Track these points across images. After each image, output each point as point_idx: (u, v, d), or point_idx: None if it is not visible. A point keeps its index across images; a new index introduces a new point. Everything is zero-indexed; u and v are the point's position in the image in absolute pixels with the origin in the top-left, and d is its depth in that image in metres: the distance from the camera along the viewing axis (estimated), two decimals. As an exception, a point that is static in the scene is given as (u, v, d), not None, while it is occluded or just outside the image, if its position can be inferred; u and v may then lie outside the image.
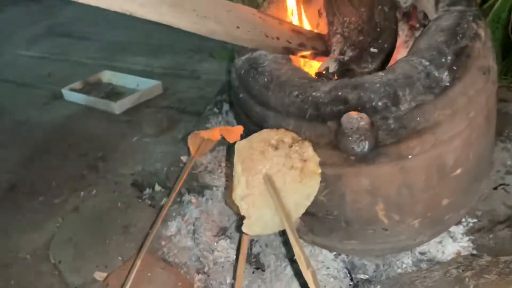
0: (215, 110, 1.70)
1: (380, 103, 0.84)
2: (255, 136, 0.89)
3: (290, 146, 0.89)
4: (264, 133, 0.89)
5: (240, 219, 0.97)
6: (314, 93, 0.87)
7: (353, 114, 0.85)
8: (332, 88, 0.86)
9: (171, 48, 2.53)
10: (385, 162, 0.87)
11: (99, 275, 1.34)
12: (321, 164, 0.90)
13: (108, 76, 2.29)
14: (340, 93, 0.85)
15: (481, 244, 1.08)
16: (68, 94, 2.18)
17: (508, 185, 1.18)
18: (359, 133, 0.84)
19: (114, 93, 2.19)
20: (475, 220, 1.13)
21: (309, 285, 0.82)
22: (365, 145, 0.85)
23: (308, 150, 0.89)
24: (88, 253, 1.40)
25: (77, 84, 2.23)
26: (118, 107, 1.99)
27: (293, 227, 0.88)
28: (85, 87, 2.24)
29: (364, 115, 0.85)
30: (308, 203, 0.93)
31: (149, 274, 1.28)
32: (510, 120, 1.34)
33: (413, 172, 0.90)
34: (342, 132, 0.85)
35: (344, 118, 0.85)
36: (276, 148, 0.89)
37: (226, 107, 1.68)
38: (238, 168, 0.88)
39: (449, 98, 0.85)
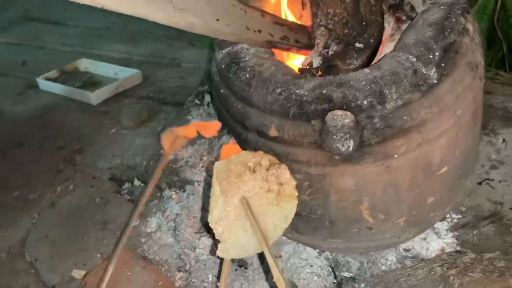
0: (197, 101, 1.65)
1: (365, 102, 0.81)
2: (233, 158, 0.88)
3: (267, 169, 0.88)
4: (242, 155, 0.88)
5: (215, 243, 0.94)
6: (297, 91, 0.83)
7: (338, 112, 0.82)
8: (316, 86, 0.83)
9: (151, 35, 2.45)
10: (370, 161, 0.85)
11: (77, 273, 1.31)
12: (305, 164, 0.88)
13: (85, 65, 2.22)
14: (324, 91, 0.82)
15: (465, 240, 1.08)
16: (44, 84, 2.10)
17: (492, 180, 1.17)
18: (344, 131, 0.81)
19: (91, 82, 2.12)
20: (459, 216, 1.12)
21: None
22: (350, 144, 0.82)
23: (285, 173, 0.89)
24: (65, 250, 1.37)
25: (53, 73, 2.15)
26: (95, 97, 1.93)
27: (271, 250, 0.88)
28: (62, 76, 2.16)
29: (348, 113, 0.82)
30: (286, 225, 0.93)
31: (128, 273, 1.25)
32: (495, 113, 1.33)
33: (398, 171, 0.88)
34: (326, 131, 0.82)
35: (328, 116, 0.82)
36: (253, 171, 0.88)
37: (208, 98, 1.63)
38: (216, 189, 0.87)
39: (436, 96, 0.83)
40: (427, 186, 0.93)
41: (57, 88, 2.06)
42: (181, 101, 1.79)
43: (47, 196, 1.54)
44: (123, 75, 2.06)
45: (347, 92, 0.81)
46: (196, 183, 1.39)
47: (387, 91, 0.80)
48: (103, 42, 2.51)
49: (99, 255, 1.34)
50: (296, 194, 0.91)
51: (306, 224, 1.00)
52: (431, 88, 0.82)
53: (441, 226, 1.11)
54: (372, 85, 0.80)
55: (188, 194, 1.39)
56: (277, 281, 0.83)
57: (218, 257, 1.22)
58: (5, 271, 1.35)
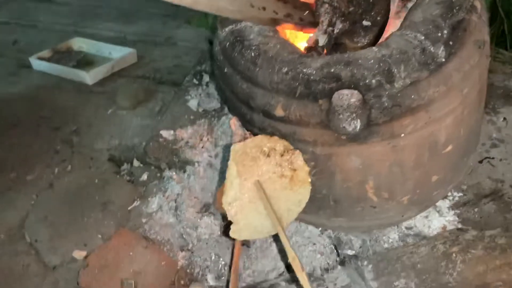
0: (195, 81, 1.63)
1: (373, 81, 0.80)
2: (249, 141, 0.89)
3: (282, 155, 0.89)
4: (258, 139, 0.89)
5: (227, 224, 0.95)
6: (304, 70, 0.82)
7: (344, 91, 0.81)
8: (324, 65, 0.82)
9: (144, 13, 2.41)
10: (377, 141, 0.85)
11: (78, 254, 1.30)
12: (312, 144, 0.87)
13: (79, 44, 2.17)
14: (332, 70, 0.81)
15: (467, 218, 1.09)
16: (37, 63, 2.06)
17: (493, 158, 1.18)
18: (350, 111, 0.81)
19: (85, 62, 2.07)
20: (460, 194, 1.13)
21: (304, 287, 0.82)
22: (357, 124, 0.82)
23: (298, 159, 0.90)
24: (65, 231, 1.36)
25: (45, 53, 2.10)
26: (90, 77, 1.90)
27: (285, 232, 0.89)
28: (55, 56, 2.11)
29: (355, 92, 0.81)
30: (299, 209, 0.95)
31: (130, 253, 1.25)
32: (495, 91, 1.33)
33: (404, 151, 0.88)
34: (333, 110, 0.82)
35: (335, 96, 0.81)
36: (267, 155, 0.89)
37: (206, 78, 1.61)
38: (233, 169, 0.88)
39: (444, 75, 0.82)
40: (432, 165, 0.93)
41: (51, 68, 2.01)
42: (178, 81, 1.76)
43: (44, 177, 1.52)
44: (118, 54, 2.02)
45: (355, 70, 0.80)
46: (196, 163, 1.38)
47: (395, 69, 0.80)
48: (96, 21, 2.46)
49: (100, 236, 1.33)
50: (309, 180, 0.91)
51: (310, 203, 1.00)
52: (439, 67, 0.82)
53: (443, 204, 1.12)
54: (381, 64, 0.80)
55: (188, 175, 1.38)
56: (292, 261, 0.84)
57: (222, 235, 1.22)
58: (5, 252, 1.34)
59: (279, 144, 0.89)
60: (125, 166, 1.52)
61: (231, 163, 0.88)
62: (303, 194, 0.93)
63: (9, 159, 1.61)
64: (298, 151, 0.89)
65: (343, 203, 0.97)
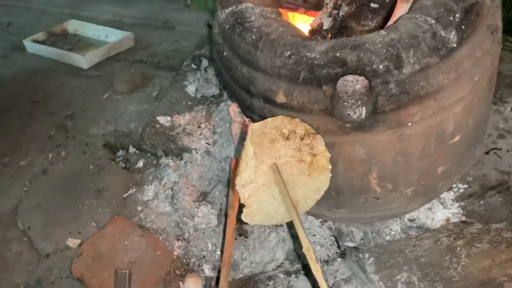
0: (193, 66, 1.59)
1: (381, 66, 0.76)
2: (269, 121, 0.83)
3: (302, 138, 0.85)
4: (278, 120, 0.84)
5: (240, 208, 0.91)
6: (308, 54, 0.78)
7: (349, 77, 0.77)
8: (329, 49, 0.78)
9: (141, -4, 2.35)
10: (382, 130, 0.81)
11: (72, 242, 1.28)
12: (315, 131, 0.83)
13: (74, 26, 2.12)
14: (338, 54, 0.77)
15: (472, 211, 1.06)
16: (31, 46, 2.01)
17: (500, 149, 1.15)
18: (356, 98, 0.77)
19: (81, 45, 2.02)
20: (465, 185, 1.10)
21: (318, 280, 0.80)
22: (362, 112, 0.78)
23: (319, 144, 0.85)
24: (59, 218, 1.33)
25: (40, 35, 2.05)
26: (86, 60, 1.85)
27: (301, 219, 0.84)
28: (50, 38, 2.06)
29: (360, 78, 0.77)
30: (318, 196, 0.90)
31: (125, 242, 1.22)
32: (503, 80, 1.29)
33: (411, 140, 0.84)
34: (338, 97, 0.78)
35: (340, 82, 0.77)
36: (287, 138, 0.84)
37: (205, 63, 1.56)
38: (249, 150, 0.84)
39: (455, 61, 0.78)
40: (438, 155, 0.90)
41: (45, 51, 1.96)
42: (176, 66, 1.72)
43: (38, 163, 1.49)
44: (114, 37, 1.97)
45: (362, 55, 0.76)
46: (194, 151, 1.35)
47: (404, 55, 0.76)
48: (91, 3, 2.40)
49: (94, 224, 1.30)
50: (330, 167, 0.87)
51: (311, 193, 0.97)
52: (450, 52, 0.78)
53: (447, 196, 1.09)
54: (389, 48, 0.76)
55: (185, 162, 1.35)
56: (306, 252, 0.80)
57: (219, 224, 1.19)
58: None
59: (300, 127, 0.84)
60: (121, 152, 1.49)
61: (247, 143, 0.84)
62: (322, 181, 0.88)
63: (2, 144, 1.57)
64: (319, 135, 0.84)
65: (345, 194, 0.94)
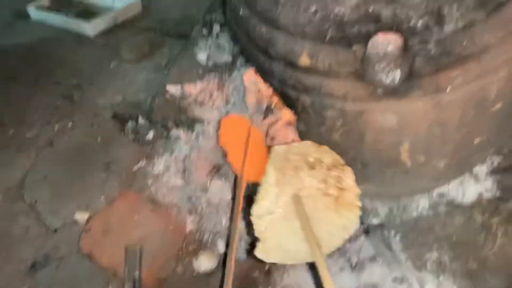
0: (204, 31, 1.50)
1: (420, 23, 0.67)
2: (294, 146, 0.78)
3: (329, 169, 0.78)
4: (304, 145, 0.78)
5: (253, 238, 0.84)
6: (337, 9, 0.70)
7: (381, 37, 0.69)
8: (361, 2, 0.69)
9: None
10: (418, 96, 0.73)
11: (81, 216, 1.23)
12: (341, 98, 0.76)
13: (79, -8, 2.04)
14: (370, 9, 0.68)
15: (508, 186, 0.98)
16: (35, 13, 1.94)
17: (538, 118, 1.06)
18: (389, 59, 0.69)
19: (86, 12, 1.95)
20: (501, 158, 1.01)
21: None
22: (396, 76, 0.70)
23: (348, 178, 0.79)
24: (67, 192, 1.29)
25: (43, 1, 1.98)
26: (92, 28, 1.78)
27: (325, 261, 0.76)
28: (53, 5, 1.99)
29: (393, 37, 0.69)
30: (345, 235, 0.82)
31: (136, 217, 1.17)
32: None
33: (449, 108, 0.76)
34: (369, 58, 0.69)
35: (371, 42, 0.69)
36: (312, 167, 0.77)
37: (216, 28, 1.48)
38: (271, 175, 0.77)
39: (503, 17, 0.70)
40: (477, 125, 0.82)
41: (50, 18, 1.90)
42: (185, 33, 1.64)
43: (44, 134, 1.44)
44: (120, 4, 1.91)
45: (398, 10, 0.68)
46: (206, 122, 1.28)
47: (446, 10, 0.67)
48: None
49: (103, 197, 1.25)
50: (359, 204, 0.80)
51: (334, 166, 0.90)
52: (498, 7, 0.69)
53: (480, 169, 1.01)
54: (429, 3, 0.67)
55: (197, 134, 1.28)
56: None
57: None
58: (4, 214, 1.27)
59: (328, 156, 0.78)
60: (130, 123, 1.43)
61: (269, 168, 0.77)
62: (349, 219, 0.80)
63: (7, 115, 1.53)
64: (349, 168, 0.78)
65: (372, 167, 0.87)
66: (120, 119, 1.45)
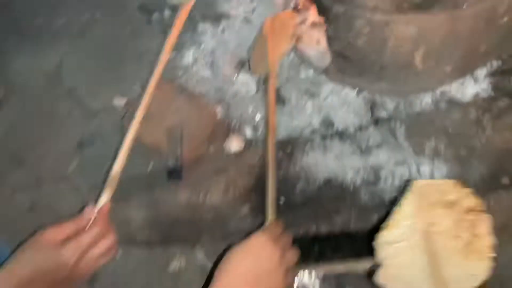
0: None
1: None
2: (437, 182, 0.80)
3: (466, 212, 0.78)
4: (447, 184, 0.79)
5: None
6: None
7: None
8: None
9: None
10: (438, 11, 0.83)
11: (119, 101, 1.33)
12: (371, 10, 0.86)
13: None
14: None
15: (502, 87, 1.11)
16: None
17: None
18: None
19: None
20: (500, 63, 1.14)
21: None
22: (420, -8, 0.80)
23: (483, 226, 0.78)
24: (103, 79, 1.37)
25: None
26: None
27: None
28: None
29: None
30: (473, 283, 0.78)
31: (171, 105, 1.28)
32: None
33: (462, 22, 0.87)
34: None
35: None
36: (449, 206, 0.78)
37: None
38: (408, 206, 0.79)
39: None
40: (484, 35, 0.93)
41: None
42: None
43: (74, 25, 1.48)
44: None
45: None
46: (232, 17, 1.35)
47: None
48: None
49: (138, 84, 1.32)
50: (491, 255, 0.78)
51: (355, 67, 1.03)
52: None
53: (480, 72, 1.14)
54: None
55: (223, 29, 1.36)
56: None
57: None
58: (46, 97, 1.36)
59: (468, 200, 0.77)
60: (156, 15, 1.48)
61: (407, 199, 0.78)
62: (478, 268, 0.77)
63: (34, 3, 1.54)
64: (487, 216, 0.78)
65: (389, 69, 1.00)
66: (146, 10, 1.49)
